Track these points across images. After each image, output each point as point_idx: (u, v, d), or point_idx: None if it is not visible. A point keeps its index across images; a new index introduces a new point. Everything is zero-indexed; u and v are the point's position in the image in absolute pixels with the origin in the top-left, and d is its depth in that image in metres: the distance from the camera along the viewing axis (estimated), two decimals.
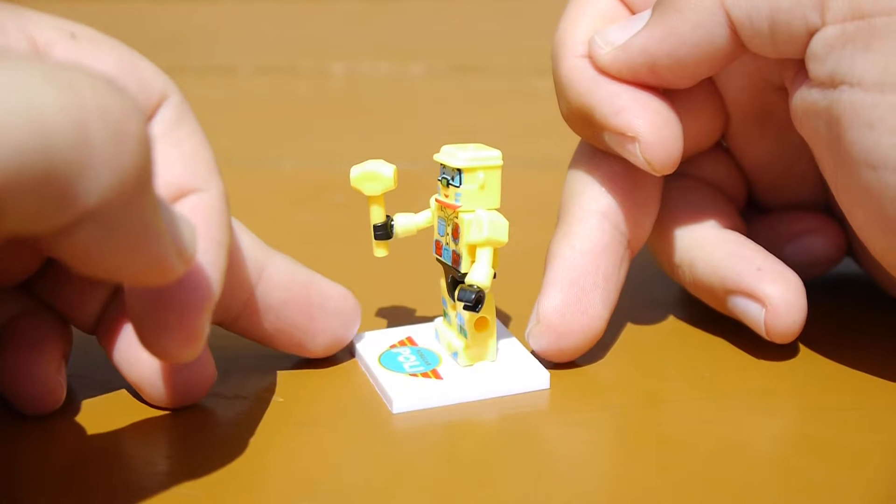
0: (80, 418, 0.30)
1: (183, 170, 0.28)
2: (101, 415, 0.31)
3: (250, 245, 0.31)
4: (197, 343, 0.26)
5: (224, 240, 0.28)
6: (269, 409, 0.31)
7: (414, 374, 0.32)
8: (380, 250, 0.33)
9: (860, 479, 0.28)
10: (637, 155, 0.32)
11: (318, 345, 0.33)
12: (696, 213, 0.35)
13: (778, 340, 0.32)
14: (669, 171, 0.32)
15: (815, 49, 0.29)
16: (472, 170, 0.31)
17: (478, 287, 0.30)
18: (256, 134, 0.57)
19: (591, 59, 0.32)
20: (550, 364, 0.33)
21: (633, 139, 0.31)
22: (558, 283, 0.33)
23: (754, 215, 0.38)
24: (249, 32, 0.77)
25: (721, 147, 0.37)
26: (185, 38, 0.75)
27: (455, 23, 0.78)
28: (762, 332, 0.32)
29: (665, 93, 0.33)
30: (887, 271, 0.32)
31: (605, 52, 0.32)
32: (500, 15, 0.80)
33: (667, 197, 0.36)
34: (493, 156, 0.31)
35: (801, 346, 0.34)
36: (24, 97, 0.20)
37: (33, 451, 0.29)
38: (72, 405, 0.31)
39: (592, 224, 0.33)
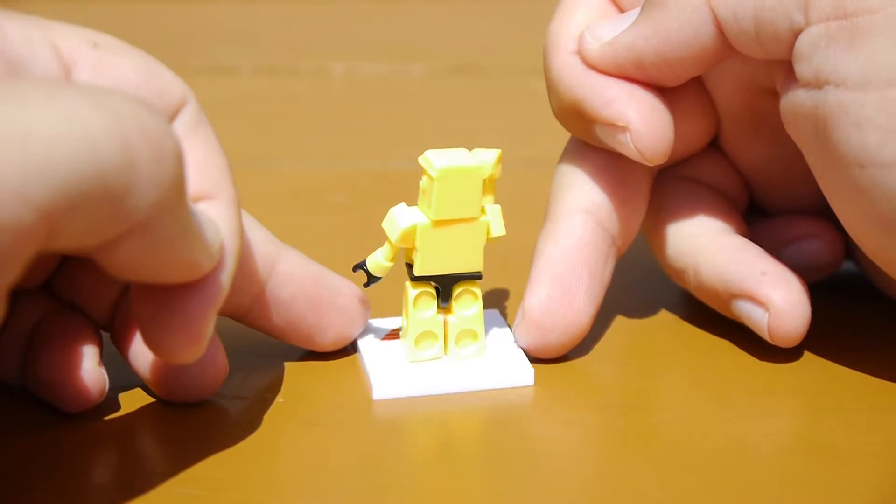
0: (82, 415, 0.30)
1: (195, 176, 0.28)
2: (103, 413, 0.31)
3: (262, 240, 0.31)
4: (199, 345, 0.27)
5: (234, 246, 0.28)
6: (269, 409, 0.31)
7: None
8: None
9: (860, 479, 0.28)
10: (629, 145, 0.32)
11: (327, 339, 0.33)
12: (699, 218, 0.35)
13: (781, 344, 0.32)
14: (661, 161, 0.32)
15: (800, 49, 0.29)
16: (423, 170, 0.31)
17: (364, 263, 0.32)
18: (256, 134, 0.57)
19: (581, 54, 0.33)
20: (536, 360, 0.33)
21: (623, 129, 0.32)
22: (542, 279, 0.33)
23: (755, 220, 0.38)
24: (249, 33, 0.77)
25: (721, 150, 0.37)
26: (185, 38, 0.75)
27: (455, 23, 0.78)
28: (766, 335, 0.32)
29: (655, 88, 0.33)
30: (885, 272, 0.32)
31: (594, 48, 0.32)
32: (500, 16, 0.80)
33: (669, 201, 0.36)
34: (436, 167, 0.31)
35: (802, 347, 0.34)
36: (79, 124, 0.22)
37: (32, 447, 0.29)
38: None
39: (576, 221, 0.34)
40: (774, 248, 0.36)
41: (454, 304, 0.33)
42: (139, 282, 0.26)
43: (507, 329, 0.34)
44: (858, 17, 0.28)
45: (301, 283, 0.32)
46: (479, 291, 0.33)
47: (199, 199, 0.28)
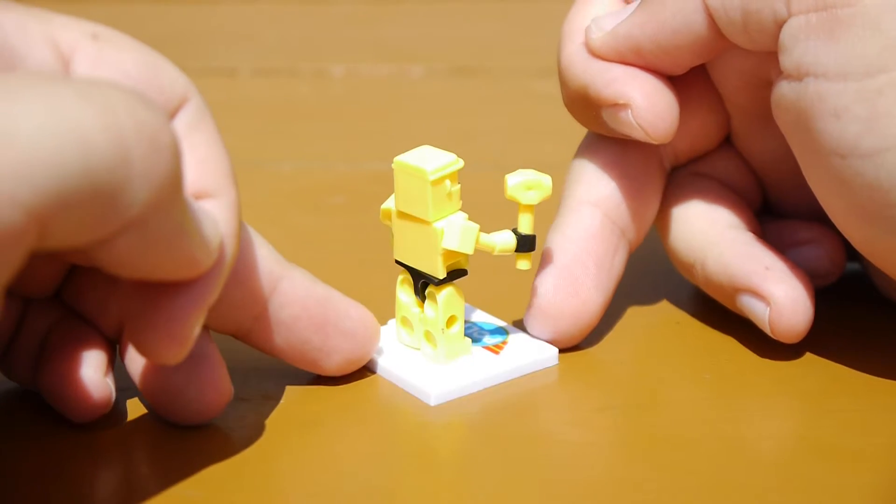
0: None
1: (195, 175, 0.27)
2: (106, 416, 0.31)
3: (266, 256, 0.30)
4: (182, 346, 0.26)
5: (230, 249, 0.27)
6: (269, 410, 0.31)
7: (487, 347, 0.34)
8: (525, 262, 0.33)
9: (861, 480, 0.28)
10: (632, 123, 0.32)
11: (332, 363, 0.32)
12: (709, 214, 0.35)
13: (783, 339, 0.33)
14: (665, 139, 0.32)
15: (783, 41, 0.30)
16: None
17: None
18: (256, 135, 0.57)
19: (586, 44, 0.34)
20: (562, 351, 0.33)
21: (626, 107, 0.32)
22: (549, 269, 0.34)
23: (765, 221, 0.38)
24: (249, 34, 0.77)
25: (734, 147, 0.37)
26: (185, 39, 0.75)
27: (455, 25, 0.78)
28: (768, 330, 0.32)
29: (658, 73, 0.33)
30: (886, 273, 0.32)
31: (597, 38, 0.33)
32: (500, 17, 0.80)
33: (681, 197, 0.36)
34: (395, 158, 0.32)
35: (804, 349, 0.34)
36: (68, 120, 0.21)
37: (35, 448, 0.29)
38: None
39: (584, 213, 0.34)
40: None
41: (426, 302, 0.33)
42: (135, 278, 0.26)
43: (502, 350, 0.34)
44: (838, 8, 0.29)
45: (304, 304, 0.31)
46: (441, 299, 0.32)
47: (198, 197, 0.27)
